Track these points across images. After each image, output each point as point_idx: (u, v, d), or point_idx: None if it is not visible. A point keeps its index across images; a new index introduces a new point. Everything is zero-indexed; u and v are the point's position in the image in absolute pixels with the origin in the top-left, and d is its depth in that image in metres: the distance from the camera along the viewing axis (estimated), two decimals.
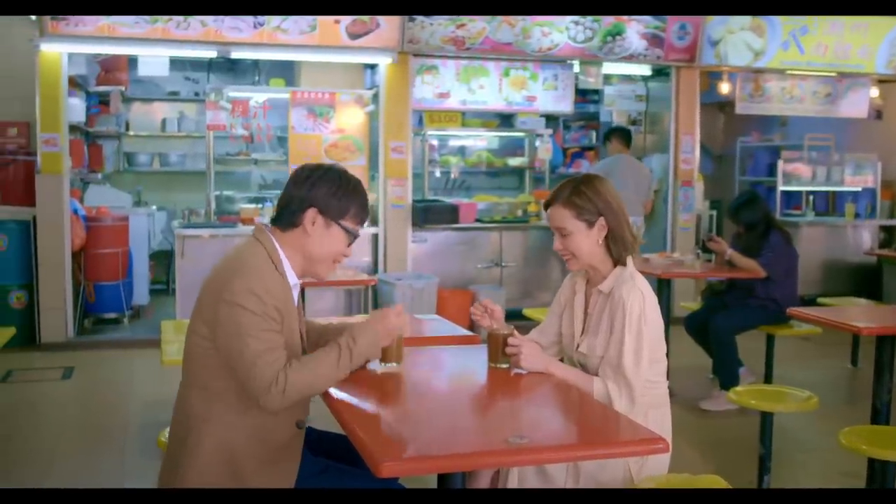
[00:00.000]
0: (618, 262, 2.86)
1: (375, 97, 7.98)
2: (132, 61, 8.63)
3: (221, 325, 2.42)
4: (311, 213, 2.56)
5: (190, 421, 2.51)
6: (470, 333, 3.43)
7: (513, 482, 2.71)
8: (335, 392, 2.52)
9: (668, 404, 2.88)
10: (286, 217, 2.60)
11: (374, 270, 7.91)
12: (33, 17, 6.85)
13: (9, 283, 7.21)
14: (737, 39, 8.44)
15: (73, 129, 8.01)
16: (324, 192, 2.57)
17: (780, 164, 9.47)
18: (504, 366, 2.81)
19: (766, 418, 4.02)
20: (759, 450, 4.09)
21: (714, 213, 9.36)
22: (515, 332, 2.82)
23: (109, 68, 8.52)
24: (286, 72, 9.00)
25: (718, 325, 5.70)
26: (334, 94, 7.93)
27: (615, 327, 2.74)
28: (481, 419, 2.43)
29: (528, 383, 2.69)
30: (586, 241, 2.84)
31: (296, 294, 2.64)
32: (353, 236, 2.63)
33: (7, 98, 8.05)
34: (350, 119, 7.95)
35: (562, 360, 3.00)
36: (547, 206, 2.92)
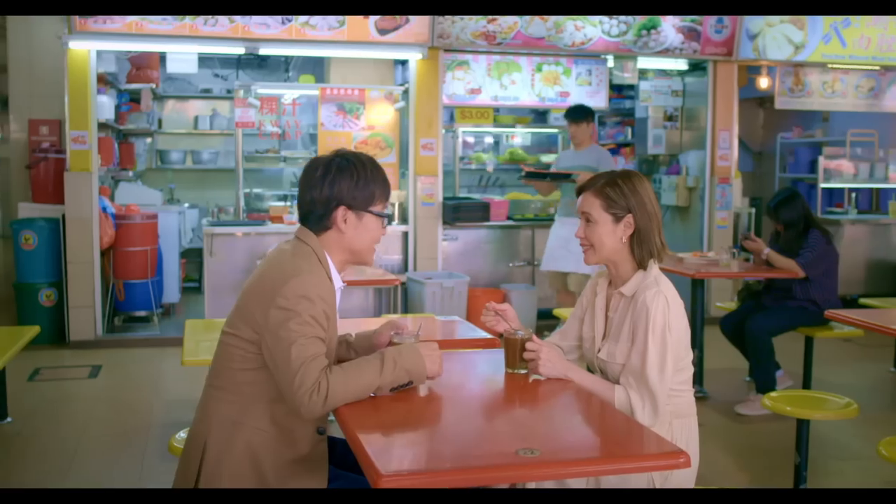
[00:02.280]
0: (640, 264, 2.72)
1: (406, 93, 7.88)
2: (163, 59, 8.62)
3: (271, 330, 2.35)
4: (340, 213, 2.52)
5: (219, 423, 2.45)
6: (489, 336, 3.29)
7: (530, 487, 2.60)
8: None
9: (695, 413, 2.73)
10: (315, 221, 2.54)
11: (404, 269, 7.81)
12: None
13: (39, 281, 7.22)
14: (776, 32, 8.22)
15: (104, 126, 8.00)
16: (345, 187, 2.51)
17: (822, 161, 9.23)
18: (521, 371, 2.70)
19: (803, 426, 3.86)
20: (795, 458, 3.93)
21: (753, 210, 9.12)
22: (534, 336, 2.70)
23: (140, 66, 8.52)
24: (316, 68, 8.94)
25: (755, 327, 5.53)
26: (364, 91, 7.84)
27: (638, 335, 2.60)
28: (493, 429, 2.30)
29: (545, 391, 2.57)
30: (609, 235, 2.72)
31: (339, 297, 2.58)
32: (385, 217, 2.59)
33: (41, 96, 8.09)
34: (380, 116, 7.86)
35: (589, 369, 2.86)
36: (579, 191, 2.81)
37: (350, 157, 2.56)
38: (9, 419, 5.24)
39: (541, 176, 6.99)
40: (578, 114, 6.92)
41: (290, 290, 2.36)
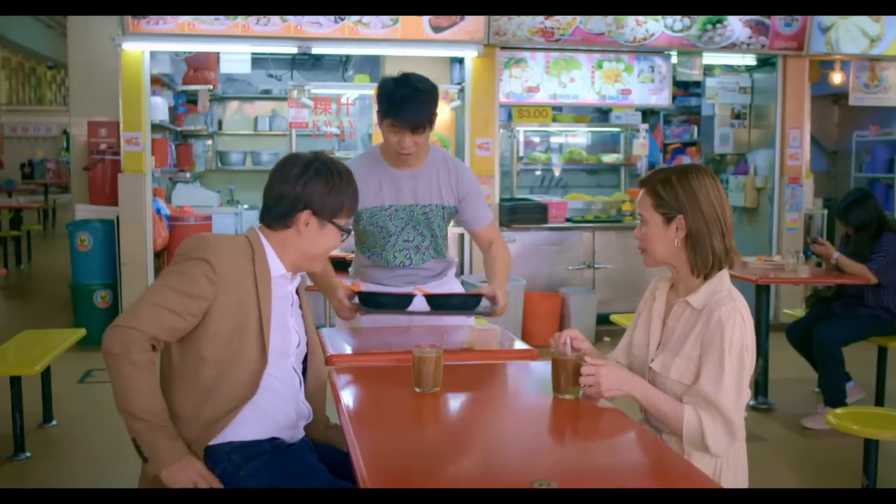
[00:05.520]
0: (701, 274, 2.47)
1: (461, 92, 7.72)
2: (220, 60, 8.59)
3: None
4: (304, 216, 2.44)
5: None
6: (527, 347, 3.09)
7: None
8: (349, 403, 2.33)
9: (744, 437, 2.49)
10: (276, 216, 2.47)
11: (460, 272, 7.64)
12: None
13: (94, 283, 7.23)
14: (850, 25, 7.82)
15: (161, 128, 8.01)
16: (318, 191, 2.43)
17: None
18: (570, 396, 2.42)
19: (871, 446, 3.58)
20: (863, 480, 3.65)
21: (825, 212, 8.72)
22: (587, 358, 2.41)
23: (197, 67, 8.50)
24: (374, 68, 8.82)
25: (823, 336, 5.21)
26: None
27: (710, 355, 2.33)
28: (510, 453, 2.08)
29: (577, 412, 2.35)
30: (660, 238, 2.47)
31: (281, 286, 2.46)
32: (346, 232, 2.52)
33: (100, 98, 8.12)
34: None
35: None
36: (640, 187, 2.59)
37: (329, 164, 2.48)
38: (54, 422, 5.22)
39: (382, 302, 3.22)
40: (424, 105, 3.21)
41: (181, 247, 2.37)
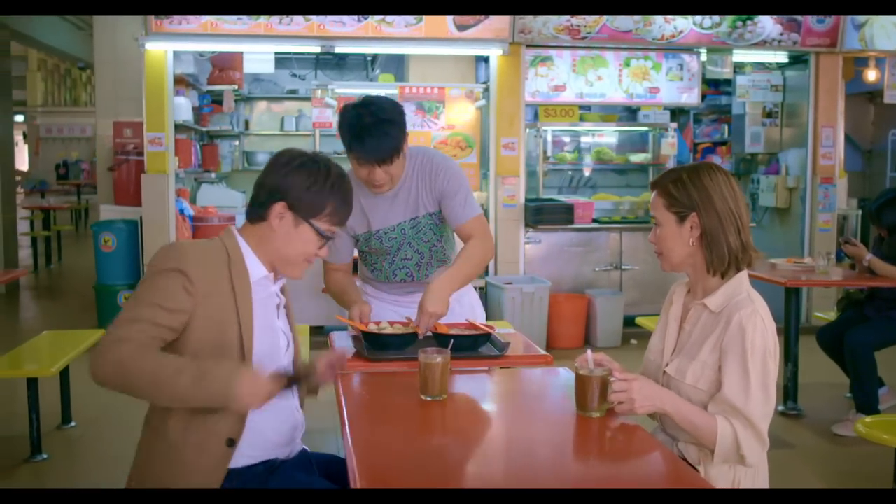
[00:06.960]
0: (717, 272, 2.39)
1: (486, 91, 7.63)
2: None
3: None
4: (278, 208, 2.25)
5: (150, 416, 2.31)
6: (543, 353, 2.99)
7: None
8: (351, 409, 2.26)
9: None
10: (255, 207, 2.30)
11: (485, 273, 7.56)
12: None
13: (118, 283, 7.25)
14: (885, 21, 7.63)
15: (186, 128, 8.00)
16: (297, 183, 2.24)
17: None
18: (597, 414, 2.27)
19: None
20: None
21: (859, 213, 8.54)
22: (615, 373, 2.28)
23: (223, 67, 8.47)
24: (398, 67, 8.76)
25: (855, 340, 5.07)
26: (444, 89, 7.62)
27: (731, 361, 2.24)
28: (516, 466, 1.99)
29: (591, 423, 2.23)
30: (675, 238, 2.39)
31: (264, 286, 2.31)
32: (325, 238, 2.31)
33: (125, 98, 8.14)
34: (460, 114, 7.63)
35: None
36: (652, 189, 2.50)
37: (319, 160, 2.31)
38: (73, 423, 5.21)
39: (386, 342, 2.96)
40: (389, 136, 2.97)
41: (153, 258, 2.24)
